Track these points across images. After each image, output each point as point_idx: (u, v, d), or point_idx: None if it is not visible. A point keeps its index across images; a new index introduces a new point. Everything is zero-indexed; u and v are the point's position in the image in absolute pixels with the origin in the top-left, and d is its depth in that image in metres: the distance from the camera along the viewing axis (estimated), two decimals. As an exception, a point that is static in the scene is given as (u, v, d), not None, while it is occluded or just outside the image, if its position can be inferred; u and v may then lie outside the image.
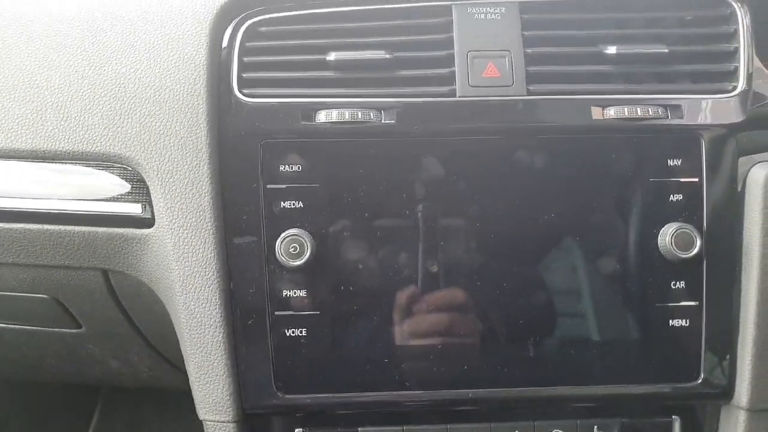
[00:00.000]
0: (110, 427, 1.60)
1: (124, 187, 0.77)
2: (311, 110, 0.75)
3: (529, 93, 0.76)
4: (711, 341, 0.76)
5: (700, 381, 0.77)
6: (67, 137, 0.76)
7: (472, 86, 0.76)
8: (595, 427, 0.79)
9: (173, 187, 0.74)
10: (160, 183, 0.74)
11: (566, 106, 0.76)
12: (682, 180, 0.76)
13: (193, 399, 0.77)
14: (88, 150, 0.76)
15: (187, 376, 0.78)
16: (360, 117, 0.74)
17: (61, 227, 0.78)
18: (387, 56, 0.76)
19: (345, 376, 0.75)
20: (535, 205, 0.75)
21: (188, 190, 0.74)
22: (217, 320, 0.73)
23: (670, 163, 0.76)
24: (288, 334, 0.74)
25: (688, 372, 0.77)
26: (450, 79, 0.76)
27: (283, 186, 0.74)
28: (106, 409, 1.62)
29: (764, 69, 0.82)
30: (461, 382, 0.76)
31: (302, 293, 0.74)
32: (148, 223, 0.76)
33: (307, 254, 0.72)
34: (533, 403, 0.78)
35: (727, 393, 0.77)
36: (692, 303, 0.76)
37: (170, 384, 1.10)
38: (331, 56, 0.76)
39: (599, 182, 0.76)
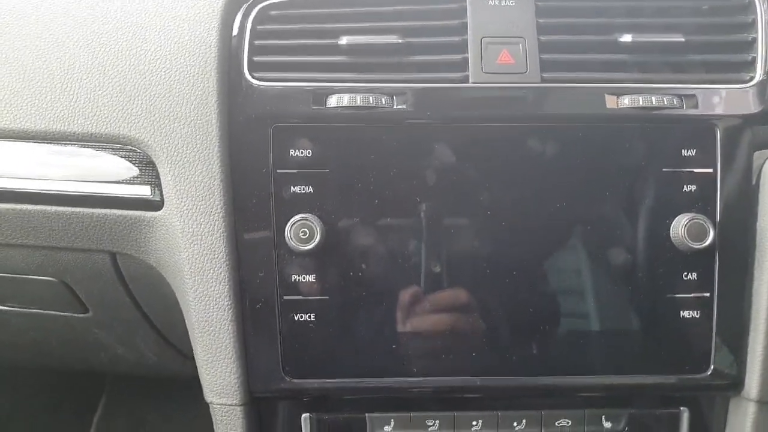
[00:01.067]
0: (115, 415, 1.61)
1: (133, 169, 0.77)
2: (322, 95, 0.74)
3: (543, 81, 0.75)
4: (722, 332, 0.76)
5: (709, 372, 0.76)
6: (76, 118, 0.75)
7: (485, 73, 0.75)
8: (603, 417, 0.79)
9: (183, 170, 0.74)
10: (169, 165, 0.74)
11: (580, 94, 0.75)
12: (696, 171, 0.75)
13: (198, 386, 0.77)
14: (97, 131, 0.75)
15: (194, 362, 0.78)
16: (371, 102, 0.73)
17: (70, 209, 0.77)
18: (399, 41, 0.75)
19: (353, 362, 0.75)
20: (547, 194, 0.75)
21: (198, 173, 0.73)
22: (226, 303, 0.73)
23: (685, 153, 0.75)
24: (296, 319, 0.74)
25: (698, 363, 0.76)
26: (463, 65, 0.75)
27: (294, 171, 0.74)
28: (111, 397, 1.63)
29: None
30: (469, 369, 0.76)
31: (311, 278, 0.74)
32: (156, 205, 0.76)
33: (317, 239, 0.72)
34: (541, 392, 0.78)
35: (736, 385, 0.77)
36: (704, 294, 0.75)
37: (176, 371, 1.10)
38: (343, 40, 0.75)
39: (612, 171, 0.75)
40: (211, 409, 0.77)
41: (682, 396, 0.80)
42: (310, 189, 0.74)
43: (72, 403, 1.60)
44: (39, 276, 0.87)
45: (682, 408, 0.80)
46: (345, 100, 0.73)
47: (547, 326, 0.76)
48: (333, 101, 0.74)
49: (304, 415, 0.79)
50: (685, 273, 0.75)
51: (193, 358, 0.78)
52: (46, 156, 0.77)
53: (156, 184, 0.76)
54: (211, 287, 0.73)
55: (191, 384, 0.82)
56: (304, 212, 0.73)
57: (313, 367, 0.75)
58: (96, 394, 1.62)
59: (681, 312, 0.76)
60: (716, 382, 0.76)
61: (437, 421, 0.78)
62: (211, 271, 0.73)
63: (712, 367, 0.76)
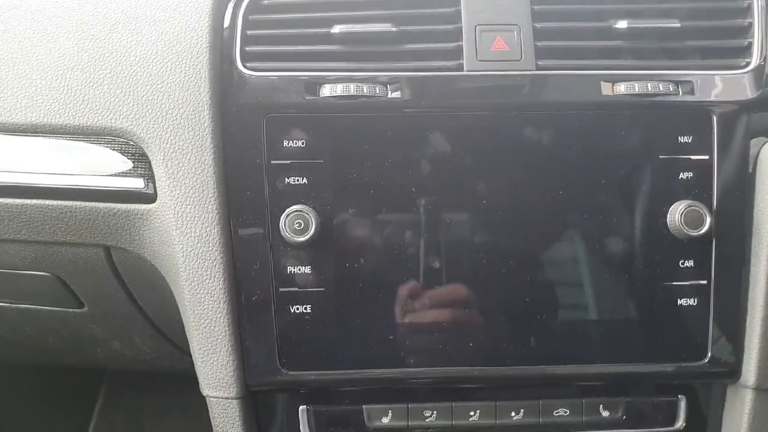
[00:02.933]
0: (114, 410, 1.60)
1: (126, 161, 0.76)
2: (315, 84, 0.73)
3: (538, 68, 0.74)
4: (719, 320, 0.76)
5: (707, 360, 0.76)
6: (67, 111, 0.75)
7: (480, 60, 0.74)
8: (601, 405, 0.79)
9: (175, 162, 0.73)
10: (162, 157, 0.73)
11: (576, 81, 0.75)
12: (692, 158, 0.75)
13: (195, 381, 0.77)
14: (88, 124, 0.75)
15: (190, 357, 0.77)
16: (365, 91, 0.73)
17: (62, 202, 0.77)
18: (393, 29, 0.74)
19: (349, 353, 0.75)
20: (543, 182, 0.74)
21: (191, 165, 0.73)
22: (221, 296, 0.73)
23: (681, 140, 0.75)
24: (292, 311, 0.74)
25: (695, 351, 0.76)
26: (457, 53, 0.75)
27: (287, 161, 0.73)
28: (109, 392, 1.62)
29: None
30: (466, 359, 0.75)
31: (307, 270, 0.74)
32: (150, 198, 0.75)
33: (312, 230, 0.71)
34: (538, 382, 0.77)
35: (734, 372, 0.77)
36: (701, 281, 0.75)
37: (173, 366, 1.10)
38: (336, 29, 0.74)
39: (608, 159, 0.75)
40: (207, 403, 0.77)
41: (679, 384, 0.80)
42: (305, 180, 0.73)
43: (71, 398, 1.59)
44: (33, 271, 0.86)
45: (679, 396, 0.80)
46: (338, 89, 0.73)
47: (544, 315, 0.75)
48: (326, 91, 0.73)
49: (301, 408, 0.78)
50: (682, 260, 0.75)
51: (190, 353, 0.77)
52: (37, 149, 0.77)
53: (149, 176, 0.75)
54: (205, 279, 0.73)
55: (189, 377, 0.82)
56: (298, 203, 0.72)
57: (309, 359, 0.75)
58: (94, 389, 1.62)
59: (678, 300, 0.75)
60: (714, 370, 0.76)
61: (434, 412, 0.78)
62: (206, 263, 0.72)
63: (709, 354, 0.76)
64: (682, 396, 0.80)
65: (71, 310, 0.95)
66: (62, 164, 0.77)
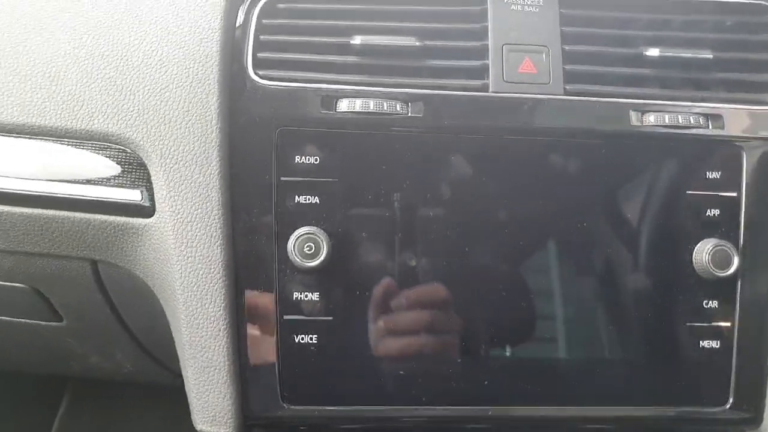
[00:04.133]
0: (77, 417, 1.52)
1: (122, 170, 0.70)
2: (332, 98, 0.69)
3: (566, 93, 0.71)
4: (742, 364, 0.73)
5: (728, 406, 0.73)
6: (59, 112, 0.68)
7: (506, 82, 0.71)
8: None
9: (178, 174, 0.67)
10: (162, 168, 0.67)
11: (604, 108, 0.71)
12: (720, 194, 0.72)
13: (166, 389, 0.70)
14: (83, 128, 0.68)
15: (171, 372, 0.71)
16: (385, 108, 0.68)
17: (48, 212, 0.70)
18: (417, 43, 0.70)
19: (357, 389, 0.70)
20: (566, 213, 0.71)
21: (194, 178, 0.67)
22: (221, 323, 0.67)
23: (709, 175, 0.72)
24: (297, 341, 0.68)
25: (716, 396, 0.73)
26: (483, 72, 0.71)
27: (299, 179, 0.68)
28: (73, 398, 1.54)
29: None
30: (477, 399, 0.71)
31: (314, 297, 0.68)
32: (147, 211, 0.69)
33: (323, 255, 0.66)
34: (550, 423, 0.74)
35: (755, 419, 0.74)
36: (725, 324, 0.72)
37: (152, 380, 1.03)
38: (356, 40, 0.70)
39: (633, 192, 0.72)
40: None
41: (696, 430, 0.77)
42: (317, 200, 0.68)
43: (31, 403, 1.51)
44: (7, 282, 0.79)
45: None
46: (357, 104, 0.68)
47: (560, 354, 0.72)
48: (344, 105, 0.68)
49: None
50: (706, 301, 0.72)
51: (177, 373, 0.71)
52: (24, 152, 0.70)
53: (147, 188, 0.69)
54: (205, 304, 0.67)
55: (162, 386, 0.76)
56: (309, 225, 0.67)
57: (313, 394, 0.69)
58: (57, 394, 1.54)
59: (700, 342, 0.72)
60: (735, 416, 0.73)
61: None
62: (206, 286, 0.67)
63: (731, 400, 0.73)
64: None
65: (47, 323, 0.87)
66: (51, 170, 0.70)
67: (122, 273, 0.74)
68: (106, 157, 0.70)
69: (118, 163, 0.70)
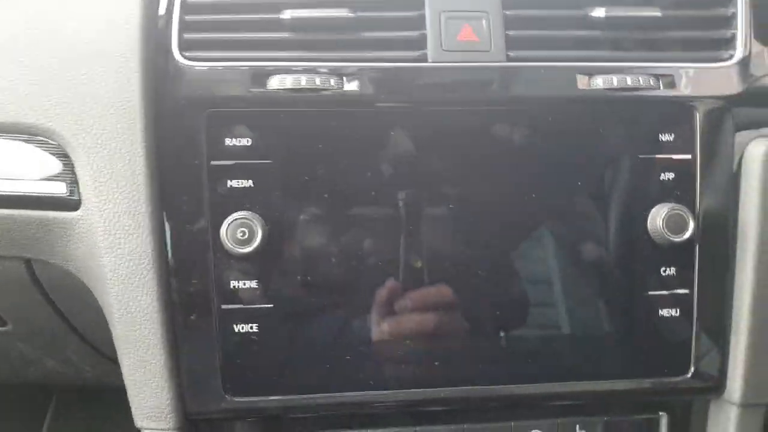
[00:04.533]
0: (64, 425, 1.50)
1: (45, 163, 0.67)
2: (263, 75, 0.66)
3: (509, 59, 0.68)
4: (702, 332, 0.71)
5: (690, 374, 0.71)
6: None
7: (445, 50, 0.68)
8: (577, 426, 0.73)
9: (103, 164, 0.64)
10: (87, 159, 0.65)
11: (549, 74, 0.69)
12: (674, 157, 0.70)
13: None
14: (2, 120, 0.65)
15: None
16: (318, 83, 0.65)
17: None
18: (350, 15, 0.67)
19: (302, 376, 0.67)
20: (514, 185, 0.68)
21: (120, 167, 0.64)
22: (154, 315, 0.64)
23: (662, 138, 0.70)
24: (237, 330, 0.66)
25: (676, 365, 0.71)
26: (421, 42, 0.68)
27: (230, 162, 0.65)
28: (60, 407, 1.52)
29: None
30: (432, 380, 0.69)
31: (253, 284, 0.66)
32: (73, 205, 0.66)
33: (258, 240, 0.63)
34: (511, 402, 0.71)
35: (718, 387, 0.72)
36: (683, 291, 0.70)
37: (118, 383, 1.01)
38: (286, 14, 0.67)
39: (584, 159, 0.69)
40: (144, 438, 0.69)
41: (660, 401, 0.75)
42: (250, 183, 0.65)
43: (18, 413, 1.48)
44: None
45: (660, 413, 0.75)
46: (288, 81, 0.65)
47: (514, 331, 0.69)
48: (275, 83, 0.65)
49: None
50: (663, 268, 0.70)
51: None
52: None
53: (72, 180, 0.66)
54: (137, 296, 0.64)
55: None
56: (242, 210, 0.64)
57: (257, 384, 0.67)
58: (43, 405, 1.52)
59: (659, 310, 0.70)
60: (697, 385, 0.71)
61: None
62: (137, 279, 0.64)
63: (692, 368, 0.71)
64: (663, 413, 0.75)
65: (-9, 328, 0.85)
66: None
67: (58, 271, 0.72)
68: (28, 149, 0.66)
69: (41, 156, 0.67)
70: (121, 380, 0.95)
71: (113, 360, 0.88)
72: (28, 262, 0.72)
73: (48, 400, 1.52)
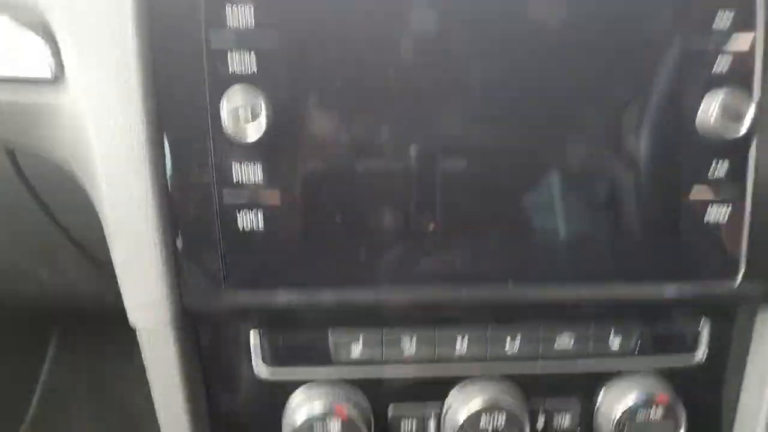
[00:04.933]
0: (67, 360, 1.48)
1: (23, 37, 0.59)
2: None
3: None
4: (755, 234, 0.64)
5: (738, 279, 0.65)
6: None
7: None
8: (611, 333, 0.68)
9: (88, 33, 0.57)
10: (69, 29, 0.57)
11: None
12: (732, 36, 0.61)
13: None
14: None
15: None
16: None
17: None
18: None
19: (310, 269, 0.61)
20: (549, 72, 0.60)
21: (107, 36, 0.56)
22: (149, 196, 0.58)
23: (719, 14, 0.61)
24: (240, 220, 0.60)
25: (725, 269, 0.65)
26: None
27: (231, 30, 0.57)
28: (62, 336, 1.49)
29: None
30: (453, 277, 0.63)
31: (257, 171, 0.59)
32: (57, 84, 0.59)
33: (263, 123, 0.56)
34: (540, 305, 0.65)
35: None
36: (736, 187, 0.63)
37: (119, 306, 0.96)
38: None
39: (626, 38, 0.61)
40: (138, 338, 0.63)
41: (702, 308, 0.69)
42: (253, 56, 0.57)
43: (19, 343, 1.46)
44: None
45: (703, 320, 0.69)
46: None
47: (548, 225, 0.62)
48: None
49: (252, 332, 0.65)
50: (715, 164, 0.63)
51: None
52: None
53: (55, 55, 0.59)
54: (128, 179, 0.58)
55: None
56: (245, 84, 0.57)
57: (260, 275, 0.61)
58: (45, 333, 1.49)
59: (708, 209, 0.63)
60: (745, 291, 0.65)
61: (414, 339, 0.65)
62: (128, 159, 0.57)
63: (741, 273, 0.65)
64: (707, 320, 0.69)
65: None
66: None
67: (45, 164, 0.65)
68: (9, 28, 0.59)
69: (19, 29, 0.59)
70: (121, 303, 0.90)
71: (108, 266, 0.83)
72: (12, 153, 0.66)
73: (50, 332, 1.49)
